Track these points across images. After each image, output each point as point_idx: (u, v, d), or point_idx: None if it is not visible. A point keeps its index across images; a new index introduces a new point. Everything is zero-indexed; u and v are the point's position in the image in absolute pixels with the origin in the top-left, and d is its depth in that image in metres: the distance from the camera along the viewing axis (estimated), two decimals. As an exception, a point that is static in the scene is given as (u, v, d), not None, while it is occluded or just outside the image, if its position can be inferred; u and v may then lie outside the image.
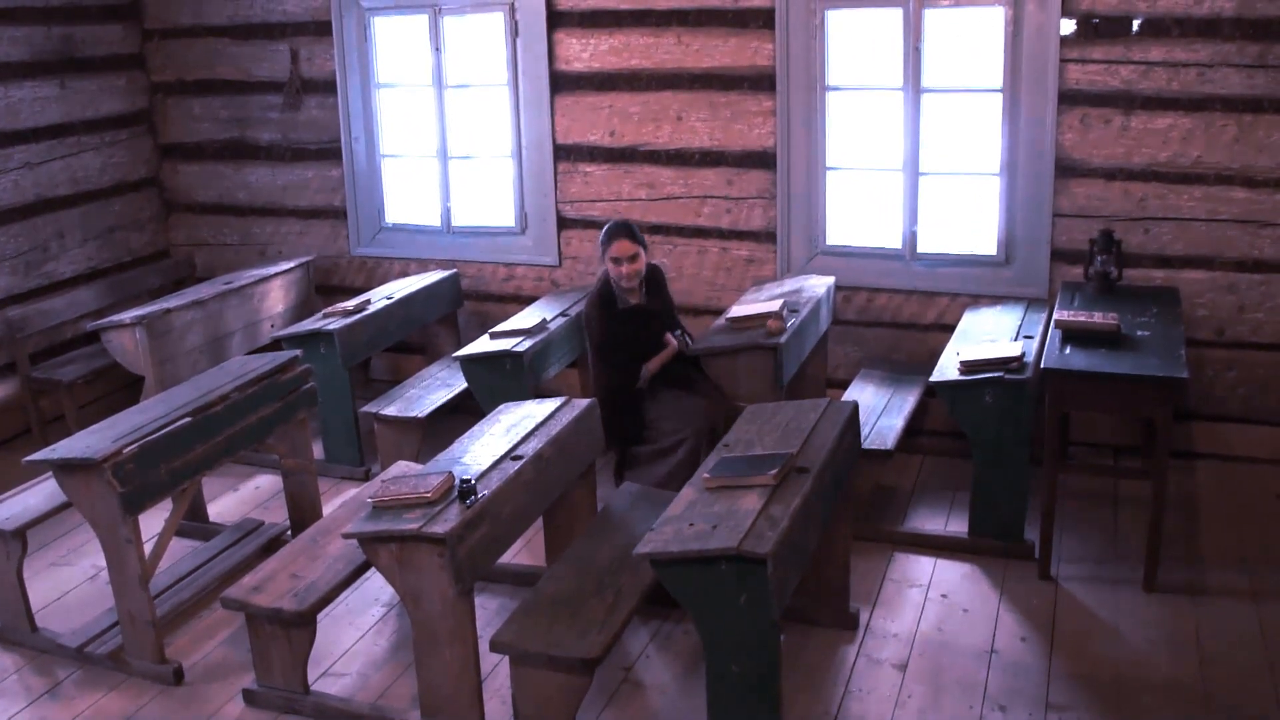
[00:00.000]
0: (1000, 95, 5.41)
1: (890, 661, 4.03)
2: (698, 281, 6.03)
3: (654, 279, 5.09)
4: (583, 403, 4.34)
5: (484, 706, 3.62)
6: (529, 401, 4.45)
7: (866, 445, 4.70)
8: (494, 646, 3.45)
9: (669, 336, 4.99)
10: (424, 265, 6.59)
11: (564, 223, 6.27)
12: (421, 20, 6.33)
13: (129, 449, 3.93)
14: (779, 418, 4.05)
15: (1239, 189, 5.13)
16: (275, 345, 5.77)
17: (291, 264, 6.50)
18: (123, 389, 6.36)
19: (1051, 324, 4.78)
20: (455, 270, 6.41)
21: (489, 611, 4.33)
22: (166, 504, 4.42)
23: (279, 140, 6.78)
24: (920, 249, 5.74)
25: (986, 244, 5.65)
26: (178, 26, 6.78)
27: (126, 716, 3.87)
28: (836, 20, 5.63)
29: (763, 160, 5.81)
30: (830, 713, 3.76)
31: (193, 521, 5.08)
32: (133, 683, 4.05)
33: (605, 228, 4.97)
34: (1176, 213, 5.25)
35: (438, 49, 6.35)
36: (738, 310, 5.12)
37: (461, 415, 5.37)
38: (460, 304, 6.45)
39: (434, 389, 5.71)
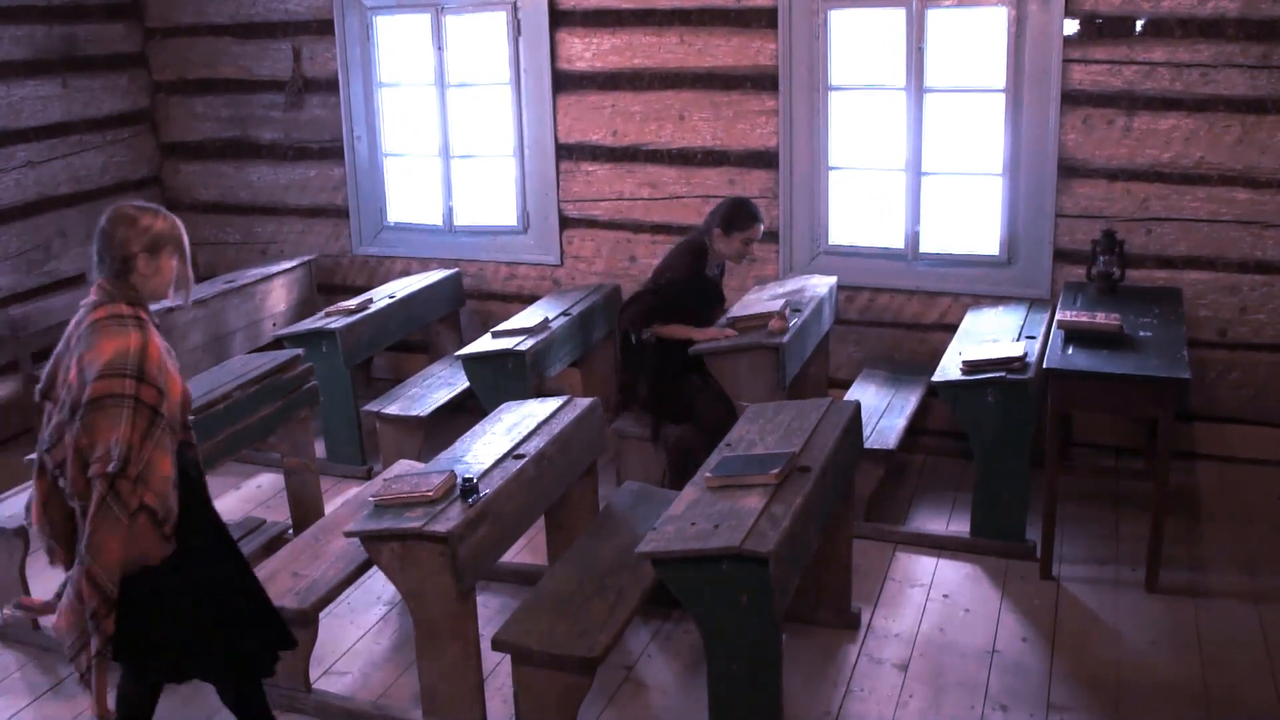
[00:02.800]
0: (1003, 95, 5.41)
1: (891, 661, 4.03)
2: (700, 281, 6.03)
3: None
4: (584, 402, 4.34)
5: (485, 705, 3.62)
6: (531, 400, 4.45)
7: (868, 445, 4.70)
8: (495, 645, 3.45)
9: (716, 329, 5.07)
10: (426, 264, 6.59)
11: (566, 222, 6.28)
12: (424, 19, 6.34)
13: (131, 447, 3.92)
14: (781, 417, 4.04)
15: (1242, 190, 5.13)
16: (277, 344, 5.77)
17: (293, 263, 6.50)
18: (124, 387, 6.36)
19: (1054, 324, 4.78)
20: (457, 269, 6.41)
21: (490, 610, 4.33)
22: (168, 502, 4.42)
23: (281, 139, 6.78)
24: (922, 249, 5.74)
25: (989, 244, 5.65)
26: (179, 25, 6.79)
27: (128, 714, 3.88)
28: (839, 20, 5.63)
29: (765, 160, 5.81)
30: (831, 712, 3.76)
31: (194, 520, 5.07)
32: (134, 681, 4.05)
33: (737, 205, 5.01)
34: (1179, 213, 5.25)
35: (440, 48, 6.35)
36: (740, 310, 5.12)
37: (463, 414, 5.38)
38: (462, 303, 6.46)
39: (436, 388, 5.71)
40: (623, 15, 5.89)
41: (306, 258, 6.61)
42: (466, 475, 3.63)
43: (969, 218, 5.71)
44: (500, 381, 5.12)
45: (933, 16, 5.44)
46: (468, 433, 4.14)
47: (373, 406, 5.51)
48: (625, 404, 5.15)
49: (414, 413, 5.39)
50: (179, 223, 3.07)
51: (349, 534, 3.53)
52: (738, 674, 3.23)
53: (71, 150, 6.48)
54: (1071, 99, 5.26)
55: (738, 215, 4.98)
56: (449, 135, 6.48)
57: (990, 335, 5.03)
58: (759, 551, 3.09)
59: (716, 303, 5.16)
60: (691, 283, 5.00)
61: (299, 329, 5.66)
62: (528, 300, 6.24)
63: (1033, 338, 4.92)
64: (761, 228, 5.03)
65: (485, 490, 3.60)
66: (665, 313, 4.95)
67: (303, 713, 3.83)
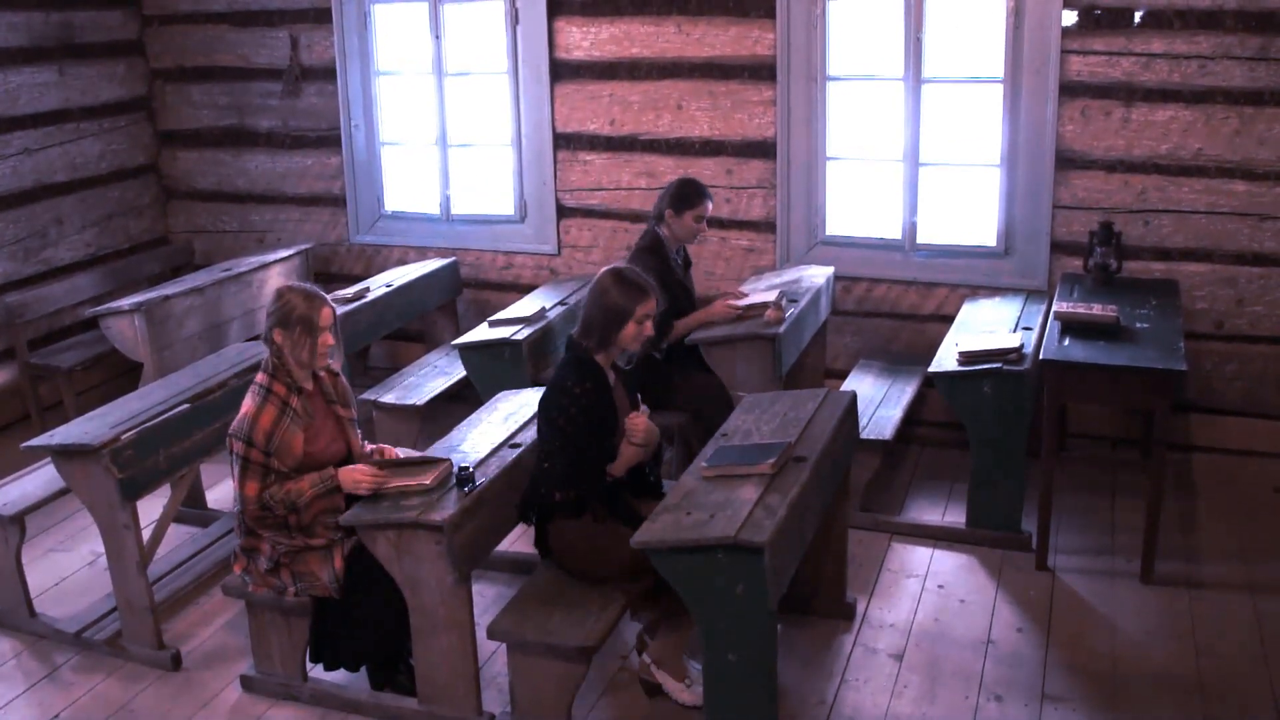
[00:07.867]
0: (1001, 86, 5.40)
1: (887, 651, 4.04)
2: (696, 271, 6.01)
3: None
4: (581, 391, 4.33)
5: (481, 694, 3.63)
6: (527, 390, 4.45)
7: (864, 435, 4.71)
8: (491, 634, 3.46)
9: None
10: (423, 253, 6.58)
11: (563, 211, 6.27)
12: (421, 8, 6.32)
13: (127, 435, 3.93)
14: (777, 407, 4.04)
15: (1239, 182, 5.13)
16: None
17: (290, 251, 6.49)
18: (121, 375, 6.36)
19: (1050, 315, 4.78)
20: (454, 258, 6.40)
21: (486, 599, 4.34)
22: (165, 490, 4.43)
23: (278, 127, 6.77)
24: (920, 240, 5.73)
25: (986, 235, 5.65)
26: (177, 12, 6.76)
27: (124, 702, 3.88)
28: (837, 9, 5.62)
29: (763, 150, 5.80)
30: (826, 702, 3.77)
31: (191, 508, 5.08)
32: (130, 668, 4.06)
33: (684, 183, 5.02)
34: (1176, 205, 5.24)
35: (438, 36, 6.33)
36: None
37: (460, 403, 5.38)
38: (459, 292, 6.45)
39: (432, 377, 5.71)
40: (620, 4, 5.87)
41: (303, 246, 6.60)
42: (463, 464, 3.63)
43: (966, 208, 5.70)
44: (497, 370, 5.12)
45: (931, 6, 5.43)
46: (464, 421, 4.14)
47: (369, 395, 5.50)
48: None
49: (410, 401, 5.39)
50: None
51: (344, 523, 3.53)
52: (733, 663, 3.24)
53: (68, 138, 6.46)
54: (1069, 90, 5.25)
55: (687, 193, 4.99)
56: (446, 124, 6.47)
57: (987, 326, 5.03)
58: (754, 541, 3.09)
59: (689, 296, 5.16)
60: (671, 269, 5.01)
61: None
62: (525, 289, 6.24)
63: (1029, 329, 4.92)
64: (710, 205, 5.03)
65: (481, 479, 3.60)
66: (673, 294, 4.96)
67: (298, 701, 3.84)
